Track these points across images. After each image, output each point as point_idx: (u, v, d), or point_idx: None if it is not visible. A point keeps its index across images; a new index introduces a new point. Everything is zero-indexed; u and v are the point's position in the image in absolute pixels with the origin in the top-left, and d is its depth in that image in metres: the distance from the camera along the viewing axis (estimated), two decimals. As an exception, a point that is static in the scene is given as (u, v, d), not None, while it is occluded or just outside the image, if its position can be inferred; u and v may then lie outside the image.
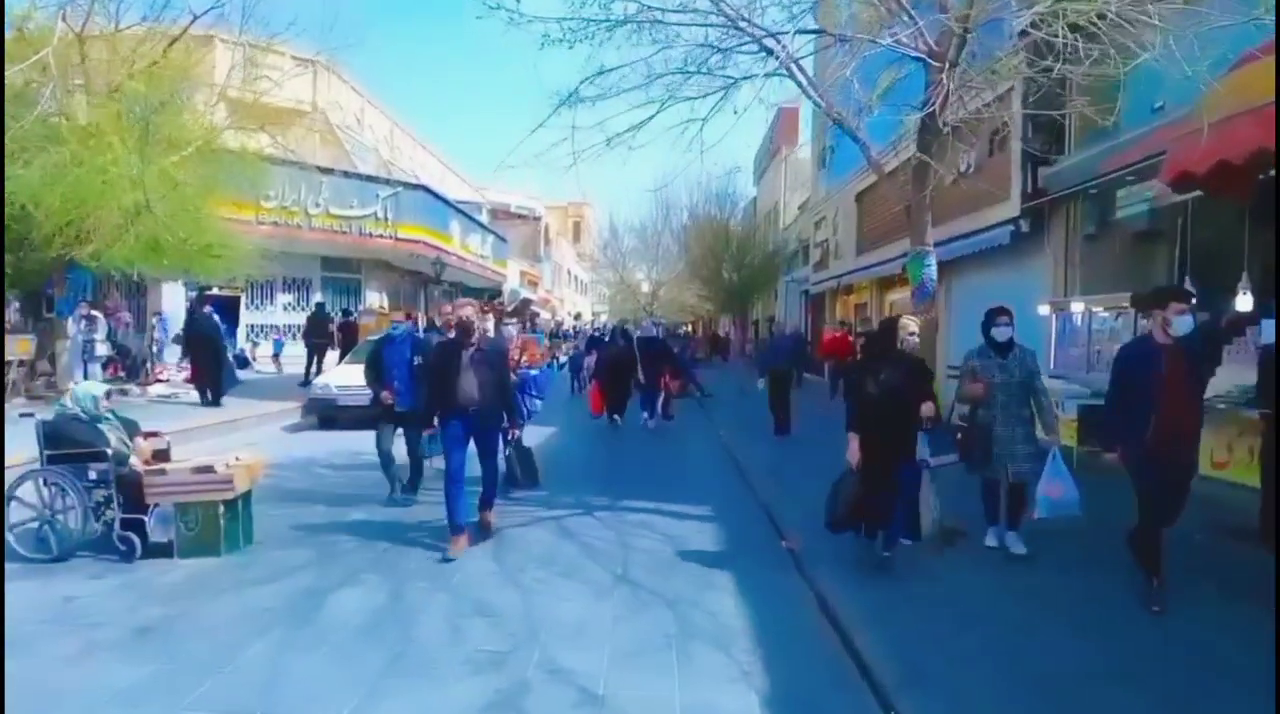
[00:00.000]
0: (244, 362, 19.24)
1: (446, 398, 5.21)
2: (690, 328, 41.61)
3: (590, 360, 15.76)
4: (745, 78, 6.15)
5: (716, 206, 27.00)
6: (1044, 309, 10.01)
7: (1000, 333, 5.36)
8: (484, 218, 36.21)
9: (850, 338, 16.57)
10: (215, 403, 12.21)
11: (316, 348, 15.55)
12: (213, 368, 12.66)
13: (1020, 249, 10.97)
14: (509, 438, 6.29)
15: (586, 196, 57.26)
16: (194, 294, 19.78)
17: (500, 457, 5.97)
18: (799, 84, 6.12)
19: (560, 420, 12.60)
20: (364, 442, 6.96)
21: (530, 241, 45.13)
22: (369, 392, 6.85)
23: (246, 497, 5.23)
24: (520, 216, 45.96)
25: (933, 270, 5.83)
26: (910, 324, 4.91)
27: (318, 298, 21.67)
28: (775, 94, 13.41)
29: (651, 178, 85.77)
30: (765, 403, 11.32)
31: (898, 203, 5.64)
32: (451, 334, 7.24)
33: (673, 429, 12.19)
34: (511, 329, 8.76)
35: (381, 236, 21.63)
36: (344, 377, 11.67)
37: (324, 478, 7.85)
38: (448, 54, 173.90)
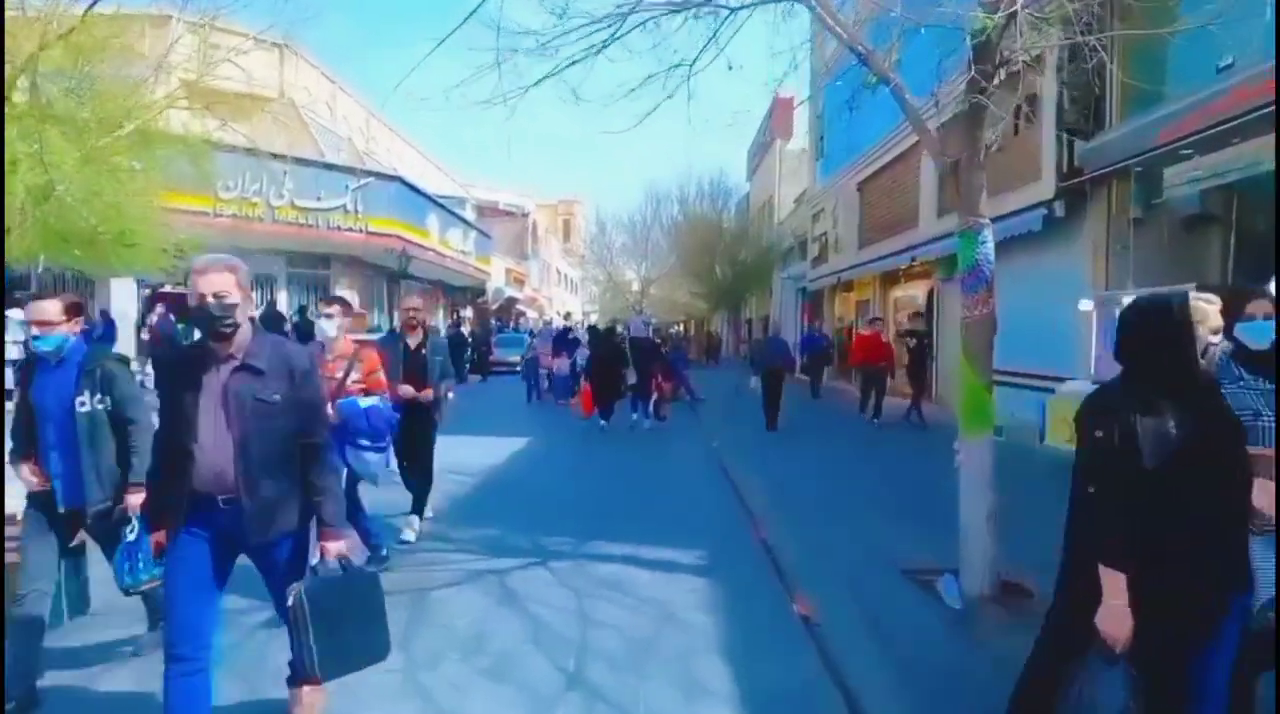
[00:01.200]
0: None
1: (171, 477, 2.52)
2: (682, 327, 40.28)
3: (561, 362, 14.51)
4: (745, 5, 4.80)
5: (709, 199, 25.71)
6: (1086, 305, 8.71)
7: (1261, 335, 2.79)
8: (469, 214, 34.82)
9: (885, 339, 12.95)
10: None
11: (270, 350, 14.21)
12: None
13: (1053, 236, 9.68)
14: (313, 563, 2.66)
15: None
16: (147, 292, 18.45)
17: (296, 594, 2.45)
18: (814, 8, 4.76)
19: (528, 427, 11.27)
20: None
21: (517, 239, 43.70)
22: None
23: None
24: (508, 213, 44.58)
25: (989, 249, 4.50)
26: (1211, 313, 2.66)
27: (283, 297, 20.30)
28: (783, 36, 11.92)
29: (642, 175, 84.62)
30: (759, 404, 11.63)
31: (947, 157, 4.23)
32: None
33: (660, 440, 10.90)
34: (330, 325, 4.62)
35: (351, 231, 20.22)
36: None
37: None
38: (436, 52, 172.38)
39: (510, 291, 36.87)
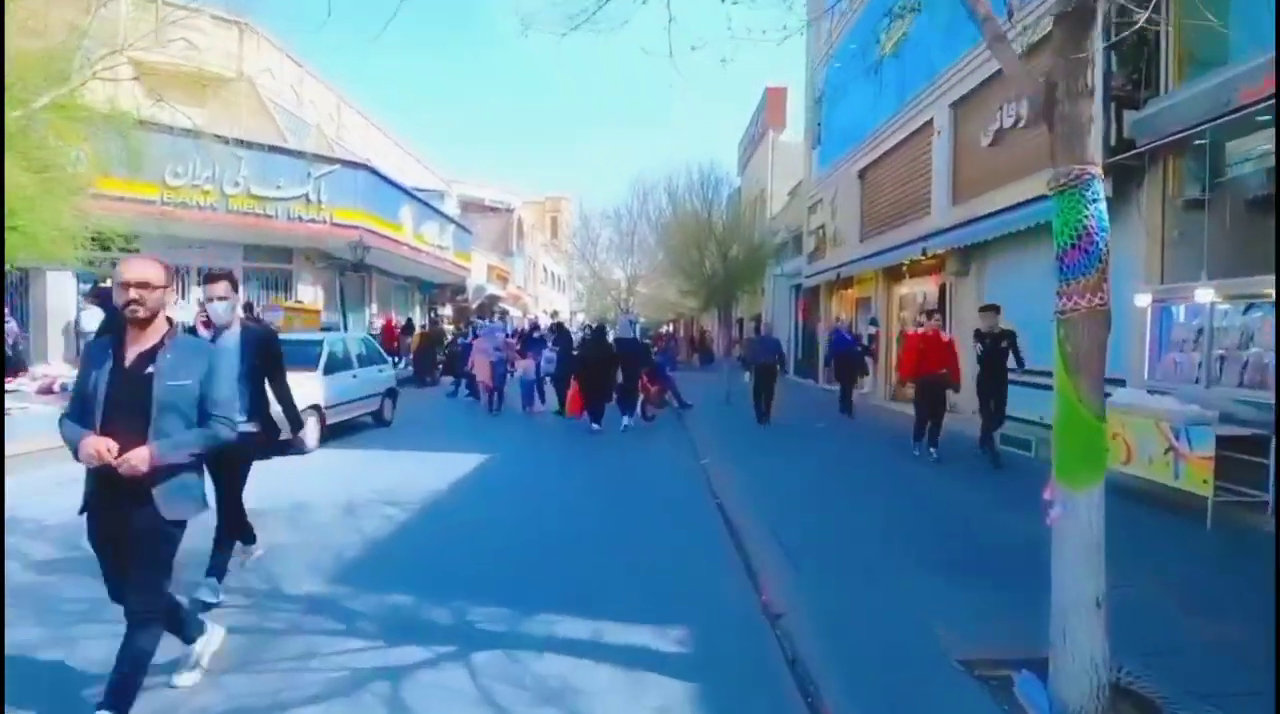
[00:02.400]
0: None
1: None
2: (670, 326, 38.94)
3: (526, 364, 13.13)
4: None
5: (699, 190, 24.24)
6: (1143, 299, 7.40)
7: None
8: (451, 208, 33.29)
9: (947, 338, 9.22)
10: None
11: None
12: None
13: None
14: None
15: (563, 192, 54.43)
16: (87, 287, 16.98)
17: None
18: None
19: (489, 440, 9.88)
20: (250, 477, 4.60)
21: (501, 235, 42.26)
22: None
23: None
24: (493, 210, 43.11)
25: (1101, 211, 3.12)
26: None
27: (239, 292, 18.81)
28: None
29: (627, 169, 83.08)
30: (752, 413, 11.86)
31: (1040, 80, 2.75)
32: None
33: (639, 457, 9.53)
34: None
35: (314, 222, 18.75)
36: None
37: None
38: (423, 54, 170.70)
39: (492, 289, 35.38)
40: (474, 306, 32.55)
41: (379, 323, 23.34)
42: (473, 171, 74.41)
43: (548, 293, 53.66)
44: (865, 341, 15.12)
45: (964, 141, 11.40)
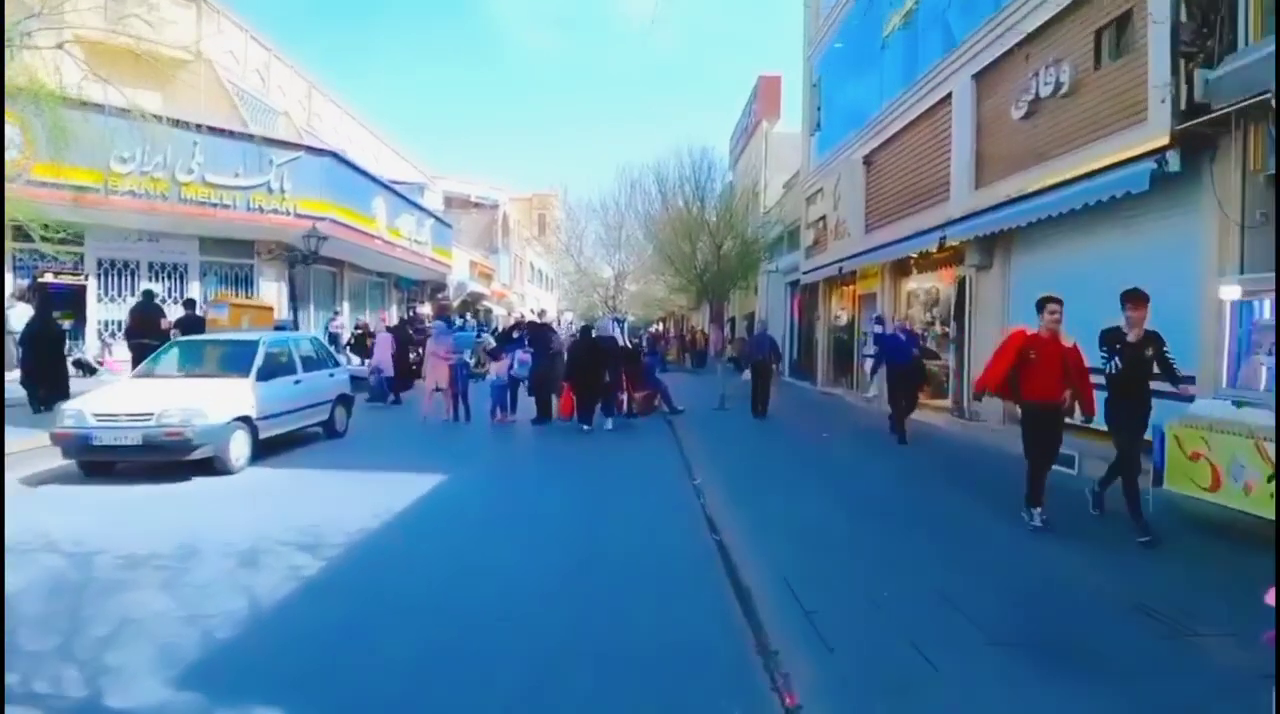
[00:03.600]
0: (89, 368, 15.04)
1: None
2: (660, 325, 37.68)
3: (500, 366, 11.81)
4: None
5: (692, 174, 22.94)
6: (1230, 291, 6.17)
7: None
8: (434, 203, 31.86)
9: (1067, 346, 5.85)
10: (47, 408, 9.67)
11: (145, 350, 11.35)
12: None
13: (1162, 199, 7.15)
14: None
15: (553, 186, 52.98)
16: (26, 282, 15.57)
17: None
18: None
19: (450, 456, 8.59)
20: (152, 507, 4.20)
21: (486, 231, 40.88)
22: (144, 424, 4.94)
23: None
24: (478, 205, 41.71)
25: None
26: None
27: (195, 288, 17.42)
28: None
29: (617, 165, 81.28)
30: (749, 421, 11.58)
31: None
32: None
33: (622, 476, 8.25)
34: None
35: (277, 212, 17.36)
36: (110, 400, 7.54)
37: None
38: (406, 51, 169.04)
39: (475, 286, 33.98)
40: (455, 304, 31.16)
41: (339, 322, 21.30)
42: (463, 168, 72.98)
43: (535, 291, 52.27)
44: (924, 342, 11.48)
45: (990, 116, 10.17)
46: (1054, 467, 6.08)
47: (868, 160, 14.93)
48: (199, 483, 7.37)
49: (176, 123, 13.80)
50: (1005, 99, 9.65)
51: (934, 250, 12.03)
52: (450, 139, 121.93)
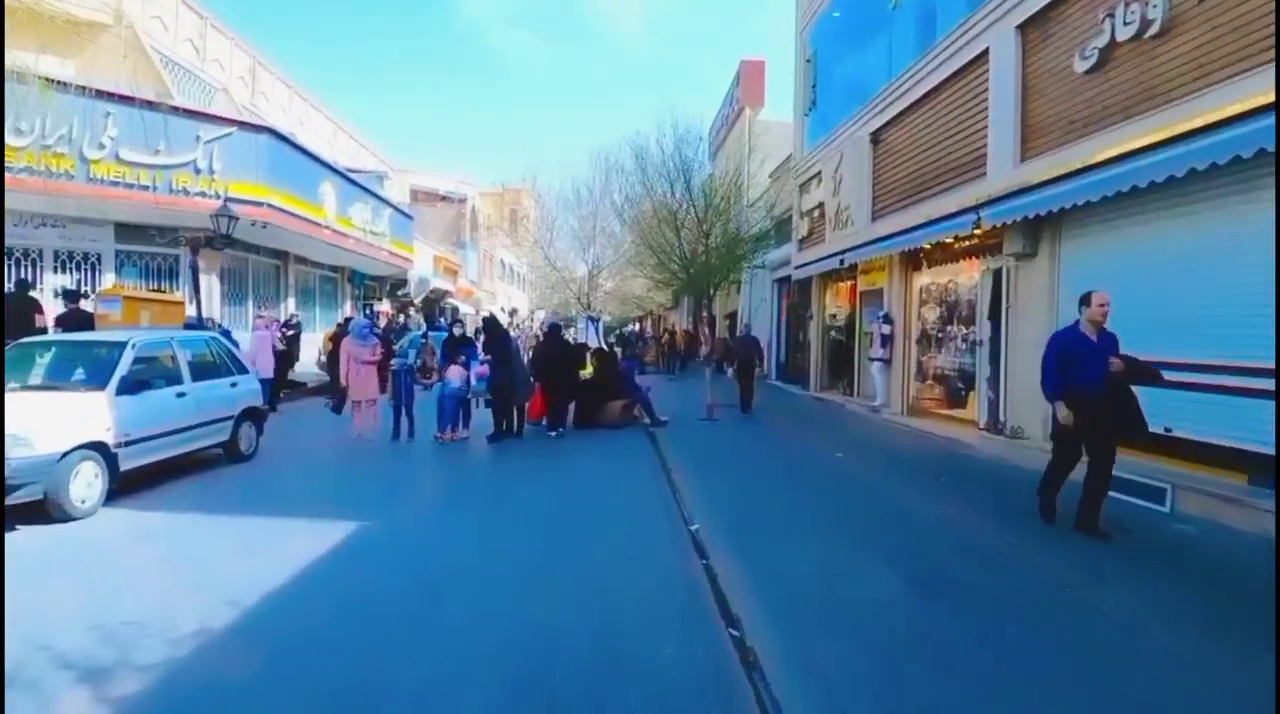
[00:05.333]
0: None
1: None
2: (637, 324, 35.82)
3: (456, 372, 9.77)
4: None
5: (675, 154, 21.07)
6: None
7: None
8: (397, 194, 29.68)
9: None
10: None
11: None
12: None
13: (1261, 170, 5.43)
14: None
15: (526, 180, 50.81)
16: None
17: None
18: None
19: (386, 490, 6.69)
20: None
21: (453, 225, 38.76)
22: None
23: None
24: (445, 198, 39.55)
25: None
26: None
27: (110, 281, 15.24)
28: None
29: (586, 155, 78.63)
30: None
31: None
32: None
33: (599, 524, 6.38)
34: None
35: (204, 196, 15.19)
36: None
37: None
38: (378, 38, 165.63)
39: (440, 282, 31.86)
40: (417, 301, 29.05)
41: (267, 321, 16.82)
42: (433, 162, 70.48)
43: (506, 289, 50.14)
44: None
45: (1040, 73, 8.45)
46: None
47: (876, 138, 13.20)
48: (24, 535, 5.41)
49: (64, 85, 11.68)
50: (1063, 50, 7.95)
51: (956, 238, 10.35)
52: (424, 139, 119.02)
